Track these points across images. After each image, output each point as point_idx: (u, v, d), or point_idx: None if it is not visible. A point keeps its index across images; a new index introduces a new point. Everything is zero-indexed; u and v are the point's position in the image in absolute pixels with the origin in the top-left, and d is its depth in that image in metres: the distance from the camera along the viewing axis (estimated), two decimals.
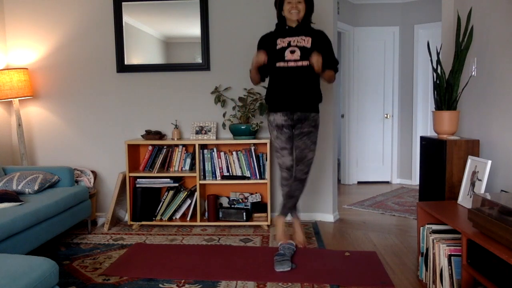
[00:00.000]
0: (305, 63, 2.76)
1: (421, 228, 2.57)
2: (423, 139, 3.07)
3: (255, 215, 3.74)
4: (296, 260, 2.85)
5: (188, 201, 3.81)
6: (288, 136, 2.85)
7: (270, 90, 2.91)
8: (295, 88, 2.79)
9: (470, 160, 2.62)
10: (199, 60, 3.94)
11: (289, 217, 3.21)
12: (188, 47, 3.98)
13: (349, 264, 2.83)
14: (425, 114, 5.60)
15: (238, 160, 3.72)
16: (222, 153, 3.74)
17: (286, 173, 2.91)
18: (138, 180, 3.77)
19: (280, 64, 2.79)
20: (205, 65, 3.92)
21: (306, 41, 2.79)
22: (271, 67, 2.86)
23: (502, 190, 2.47)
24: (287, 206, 3.04)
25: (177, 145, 3.84)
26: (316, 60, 2.68)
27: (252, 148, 3.71)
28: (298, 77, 2.78)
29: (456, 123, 2.82)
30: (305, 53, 2.76)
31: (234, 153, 3.73)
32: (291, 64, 2.76)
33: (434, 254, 2.32)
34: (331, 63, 2.90)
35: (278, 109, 2.83)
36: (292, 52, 2.75)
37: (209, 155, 3.73)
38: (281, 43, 2.81)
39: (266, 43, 2.88)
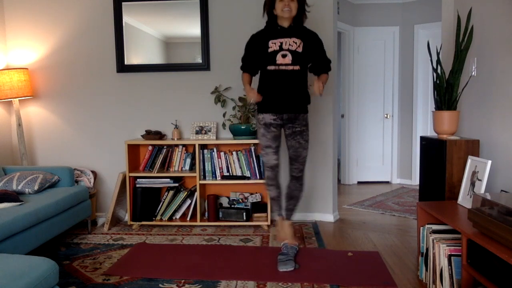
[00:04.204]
0: (296, 67, 2.76)
1: (421, 228, 2.57)
2: (423, 139, 3.07)
3: (255, 215, 3.74)
4: (297, 260, 2.85)
5: (188, 201, 3.81)
6: (275, 135, 2.84)
7: (260, 91, 2.89)
8: (285, 90, 2.79)
9: (470, 160, 2.62)
10: (199, 60, 3.94)
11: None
12: (188, 47, 3.98)
13: (351, 264, 2.83)
14: (425, 114, 5.60)
15: (238, 160, 3.72)
16: (222, 153, 3.74)
17: (270, 172, 2.87)
18: (138, 180, 3.77)
19: (271, 67, 2.78)
20: (205, 65, 3.92)
21: (298, 45, 2.77)
22: (262, 69, 2.85)
23: (502, 190, 2.47)
24: (288, 208, 2.99)
25: (177, 145, 3.84)
26: (317, 88, 2.71)
27: (252, 148, 3.71)
28: (289, 80, 2.78)
29: (456, 123, 2.82)
30: (297, 57, 2.76)
31: (234, 153, 3.73)
32: (282, 68, 2.76)
33: (434, 254, 2.32)
34: (324, 66, 2.91)
35: (267, 110, 2.83)
36: (284, 56, 2.75)
37: (209, 155, 3.73)
38: (272, 45, 2.78)
39: (258, 43, 2.86)
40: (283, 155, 3.01)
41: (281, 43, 2.78)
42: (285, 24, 2.82)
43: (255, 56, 2.88)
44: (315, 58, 2.86)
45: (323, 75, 2.90)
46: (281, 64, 2.76)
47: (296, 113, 2.83)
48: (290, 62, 2.76)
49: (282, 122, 2.86)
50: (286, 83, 2.79)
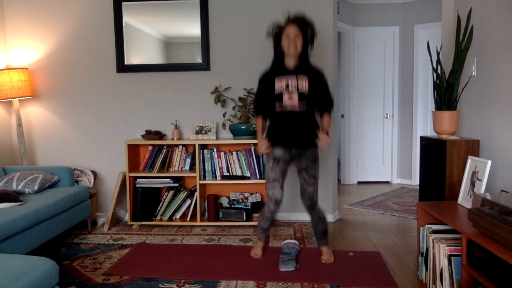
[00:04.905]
0: (302, 108, 2.77)
1: (421, 228, 2.57)
2: (423, 139, 3.07)
3: (255, 215, 3.74)
4: (297, 260, 2.85)
5: (188, 201, 3.81)
6: (283, 170, 2.85)
7: (270, 129, 2.91)
8: (292, 130, 2.80)
9: (470, 160, 2.62)
10: (199, 60, 3.94)
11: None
12: (188, 47, 3.98)
13: (352, 264, 2.83)
14: (425, 114, 5.60)
15: (238, 160, 3.72)
16: (222, 153, 3.74)
17: (273, 206, 2.86)
18: (138, 180, 3.77)
19: (279, 109, 2.80)
20: (205, 65, 3.92)
21: (304, 85, 2.76)
22: (270, 108, 2.86)
23: (502, 190, 2.47)
24: (317, 237, 2.99)
25: (177, 145, 3.84)
26: (324, 142, 2.74)
27: (252, 148, 3.71)
28: (295, 121, 2.79)
29: (456, 123, 2.82)
30: (303, 98, 2.76)
31: (234, 153, 3.73)
32: (289, 110, 2.78)
33: (434, 254, 2.32)
34: (327, 105, 2.89)
35: (277, 143, 2.85)
36: (290, 97, 2.76)
37: (209, 155, 3.73)
38: (279, 85, 2.78)
39: (266, 83, 2.86)
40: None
41: (288, 84, 2.77)
42: (291, 61, 2.80)
43: (265, 97, 2.87)
44: (319, 97, 2.84)
45: (326, 117, 2.87)
46: (288, 106, 2.77)
47: (304, 147, 2.83)
48: (296, 104, 2.76)
49: (291, 157, 2.86)
50: (294, 123, 2.79)
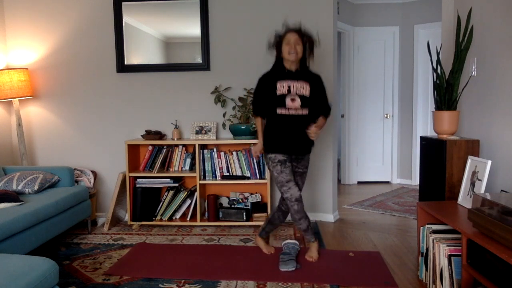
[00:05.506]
0: (304, 112, 2.84)
1: (421, 228, 2.57)
2: (423, 139, 3.07)
3: (255, 215, 3.74)
4: (298, 260, 2.85)
5: (188, 201, 3.81)
6: (291, 170, 2.89)
7: (269, 132, 2.92)
8: (294, 134, 2.86)
9: (470, 160, 2.62)
10: (199, 60, 3.94)
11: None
12: (188, 47, 3.98)
13: (352, 264, 2.83)
14: (425, 114, 5.60)
15: (238, 160, 3.72)
16: (222, 153, 3.74)
17: (298, 205, 2.82)
18: (138, 180, 3.77)
19: (282, 111, 2.84)
20: (205, 65, 3.92)
21: (305, 89, 2.84)
22: (270, 112, 2.89)
23: (502, 190, 2.47)
24: (269, 230, 3.16)
25: (177, 145, 3.84)
26: (313, 132, 2.81)
27: (252, 148, 3.70)
28: (297, 124, 2.85)
29: (456, 123, 2.82)
30: (305, 102, 2.83)
31: (234, 153, 3.73)
32: (292, 112, 2.83)
33: (434, 254, 2.32)
34: (324, 110, 2.97)
35: (278, 150, 2.88)
36: (293, 100, 2.81)
37: (209, 155, 3.73)
38: (281, 88, 2.83)
39: (266, 85, 2.90)
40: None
41: (289, 87, 2.83)
42: (292, 67, 2.87)
43: (265, 98, 2.91)
44: (317, 102, 2.92)
45: (321, 118, 2.95)
46: (291, 109, 2.82)
47: (304, 154, 2.94)
48: (299, 106, 2.82)
49: (291, 160, 2.92)
50: (295, 127, 2.85)
